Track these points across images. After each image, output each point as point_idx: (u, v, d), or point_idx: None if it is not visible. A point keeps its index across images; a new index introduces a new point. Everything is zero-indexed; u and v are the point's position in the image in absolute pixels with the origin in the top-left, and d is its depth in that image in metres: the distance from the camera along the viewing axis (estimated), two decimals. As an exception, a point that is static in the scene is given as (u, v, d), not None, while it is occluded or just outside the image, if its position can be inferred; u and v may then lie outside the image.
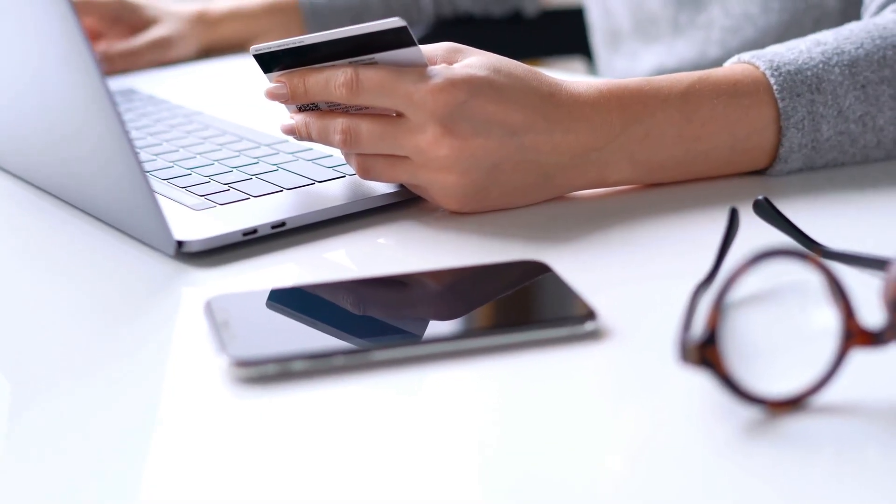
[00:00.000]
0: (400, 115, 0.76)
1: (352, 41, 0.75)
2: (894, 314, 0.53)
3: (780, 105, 0.81)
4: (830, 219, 0.77)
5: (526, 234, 0.75)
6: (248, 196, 0.80)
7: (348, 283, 0.68)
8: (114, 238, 0.77)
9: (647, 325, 0.63)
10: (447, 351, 0.60)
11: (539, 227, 0.77)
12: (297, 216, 0.77)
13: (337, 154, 0.87)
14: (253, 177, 0.84)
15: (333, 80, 0.76)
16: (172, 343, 0.65)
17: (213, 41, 1.33)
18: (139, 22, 1.30)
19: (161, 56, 1.29)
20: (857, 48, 0.84)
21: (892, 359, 0.55)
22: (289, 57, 0.78)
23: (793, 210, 0.74)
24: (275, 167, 0.86)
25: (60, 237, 0.79)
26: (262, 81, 0.80)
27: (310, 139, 0.79)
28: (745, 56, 0.85)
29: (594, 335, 0.61)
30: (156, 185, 0.83)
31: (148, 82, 1.20)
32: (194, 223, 0.75)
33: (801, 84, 0.82)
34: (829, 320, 0.55)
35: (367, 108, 0.77)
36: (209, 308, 0.64)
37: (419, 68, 0.75)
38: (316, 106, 0.79)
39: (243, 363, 0.58)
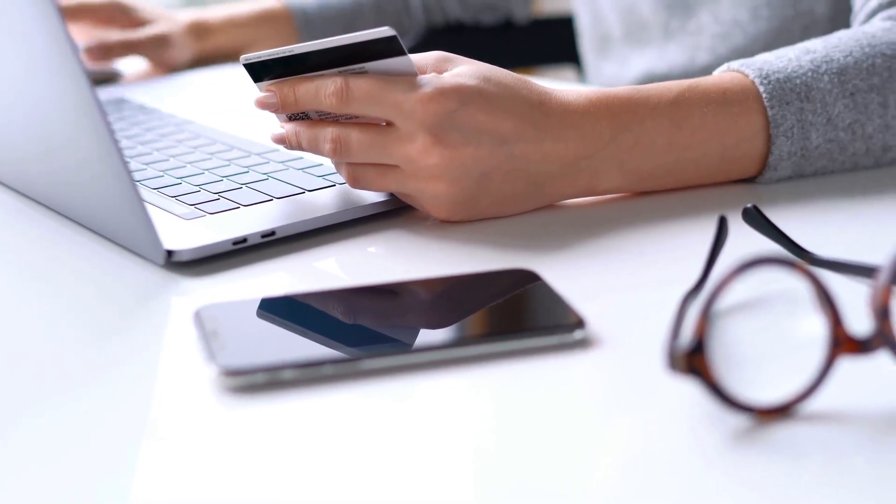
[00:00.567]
0: (390, 124, 0.76)
1: (342, 50, 0.75)
2: (881, 322, 0.53)
3: (770, 113, 0.82)
4: (819, 226, 0.78)
5: (516, 243, 0.75)
6: (238, 205, 0.80)
7: (338, 292, 0.68)
8: (103, 247, 0.77)
9: (637, 334, 0.63)
10: (437, 360, 0.60)
11: (529, 236, 0.77)
12: (286, 225, 0.77)
13: (327, 163, 0.87)
14: (243, 186, 0.84)
15: (323, 89, 0.76)
16: (162, 353, 0.65)
17: (207, 50, 1.33)
18: (134, 23, 1.30)
19: (158, 54, 1.29)
20: (846, 56, 0.84)
21: (880, 366, 0.56)
22: (279, 66, 0.78)
23: (782, 217, 0.74)
24: (265, 176, 0.86)
25: (49, 246, 0.79)
26: (253, 90, 0.80)
27: (300, 148, 0.80)
28: (735, 64, 0.85)
29: (583, 343, 0.62)
30: (146, 194, 0.83)
31: (139, 92, 1.20)
32: (184, 232, 0.75)
33: (791, 92, 0.82)
34: (816, 328, 0.55)
35: (357, 117, 0.77)
36: (198, 317, 0.64)
37: (409, 77, 0.75)
38: (306, 115, 0.79)
39: (232, 372, 0.58)
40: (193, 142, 0.96)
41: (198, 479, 0.52)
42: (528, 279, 0.68)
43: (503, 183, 0.77)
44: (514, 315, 0.66)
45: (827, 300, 0.53)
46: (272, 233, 0.76)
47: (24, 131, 0.81)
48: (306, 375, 0.59)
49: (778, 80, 0.82)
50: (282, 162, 0.89)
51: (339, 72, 0.76)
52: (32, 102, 0.77)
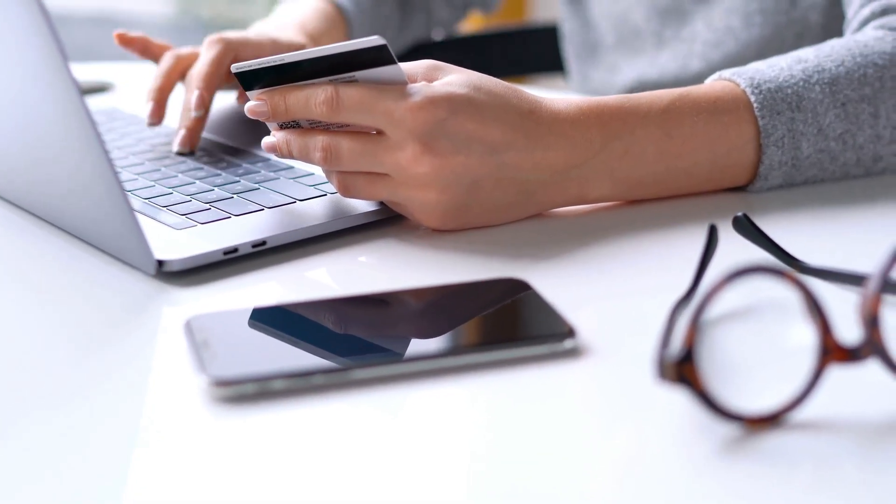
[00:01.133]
0: (380, 132, 0.76)
1: (332, 59, 0.75)
2: (871, 330, 0.53)
3: (761, 123, 0.82)
4: (810, 235, 0.78)
5: (506, 252, 0.75)
6: (229, 215, 0.80)
7: (329, 302, 0.68)
8: (94, 257, 0.77)
9: (627, 342, 0.63)
10: (428, 369, 0.60)
11: (519, 245, 0.77)
12: (277, 235, 0.77)
13: (318, 172, 0.87)
14: (234, 195, 0.84)
15: (314, 97, 0.76)
16: (153, 363, 0.65)
17: None
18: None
19: None
20: (838, 66, 0.84)
21: (869, 375, 0.56)
22: (270, 75, 0.78)
23: (772, 226, 0.74)
24: (256, 186, 0.86)
25: (39, 256, 0.79)
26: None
27: (291, 156, 0.80)
28: (726, 73, 0.85)
29: (574, 353, 0.62)
30: (137, 204, 0.83)
31: (131, 102, 1.19)
32: (175, 242, 0.75)
33: (782, 102, 0.82)
34: (806, 336, 0.55)
35: (347, 125, 0.77)
36: (189, 328, 0.64)
37: (399, 86, 0.75)
38: (297, 123, 0.79)
39: (222, 383, 0.58)
40: (185, 152, 0.96)
41: (188, 490, 0.52)
42: (518, 288, 0.68)
43: (493, 191, 0.77)
44: (504, 324, 0.66)
45: (816, 309, 0.53)
46: (263, 242, 0.76)
47: (13, 141, 0.81)
48: (297, 385, 0.58)
49: (769, 89, 0.82)
50: (273, 171, 0.89)
51: (330, 80, 0.76)
52: (23, 113, 0.77)
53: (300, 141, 0.78)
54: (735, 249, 0.72)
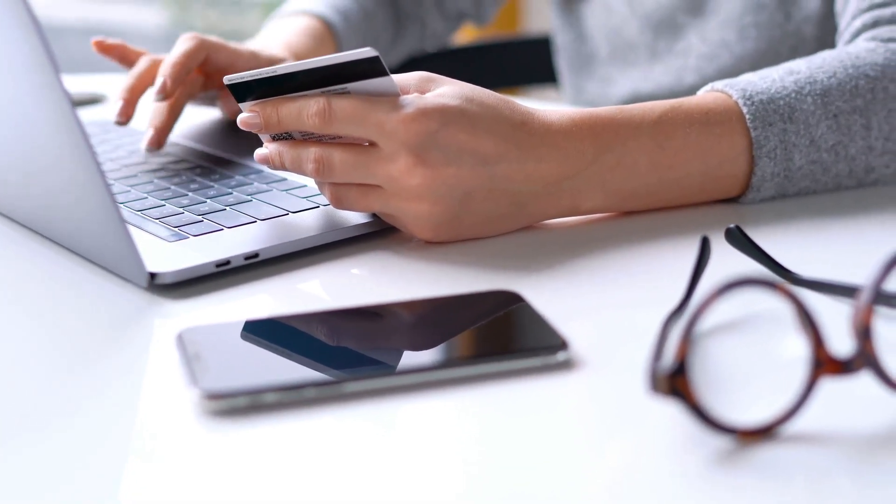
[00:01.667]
0: (373, 144, 0.76)
1: (325, 71, 0.75)
2: (863, 342, 0.53)
3: (753, 134, 0.82)
4: (802, 246, 0.78)
5: (498, 264, 0.75)
6: (222, 227, 0.80)
7: (322, 314, 0.68)
8: (86, 269, 0.77)
9: (620, 355, 0.63)
10: (420, 382, 0.60)
11: (512, 256, 0.77)
12: (270, 247, 0.76)
13: (311, 184, 0.87)
14: (226, 207, 0.83)
15: (306, 109, 0.76)
16: (145, 376, 0.65)
17: None
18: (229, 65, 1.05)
19: None
20: (830, 77, 0.85)
21: (862, 387, 0.56)
22: (262, 86, 0.78)
23: (765, 237, 0.74)
24: (248, 198, 0.85)
25: (31, 268, 0.79)
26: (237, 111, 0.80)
27: (283, 168, 0.79)
28: (718, 84, 0.85)
29: (567, 365, 0.61)
30: (129, 216, 0.83)
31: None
32: (167, 255, 0.75)
33: (774, 113, 0.82)
34: (798, 349, 0.55)
35: (340, 137, 0.77)
36: (181, 340, 0.63)
37: (391, 98, 0.75)
38: (290, 135, 0.79)
39: (214, 396, 0.58)
40: (178, 164, 0.96)
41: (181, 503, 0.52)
42: (511, 300, 0.68)
43: (486, 203, 0.77)
44: (497, 337, 0.66)
45: (808, 321, 0.53)
46: (256, 255, 0.76)
47: (5, 153, 0.81)
48: (289, 398, 0.58)
49: (761, 101, 0.82)
50: (265, 183, 0.89)
51: (322, 92, 0.76)
52: (14, 125, 0.77)
53: (293, 153, 0.78)
54: (728, 261, 0.72)
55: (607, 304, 0.70)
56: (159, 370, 0.64)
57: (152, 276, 0.72)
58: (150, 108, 0.99)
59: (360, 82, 0.75)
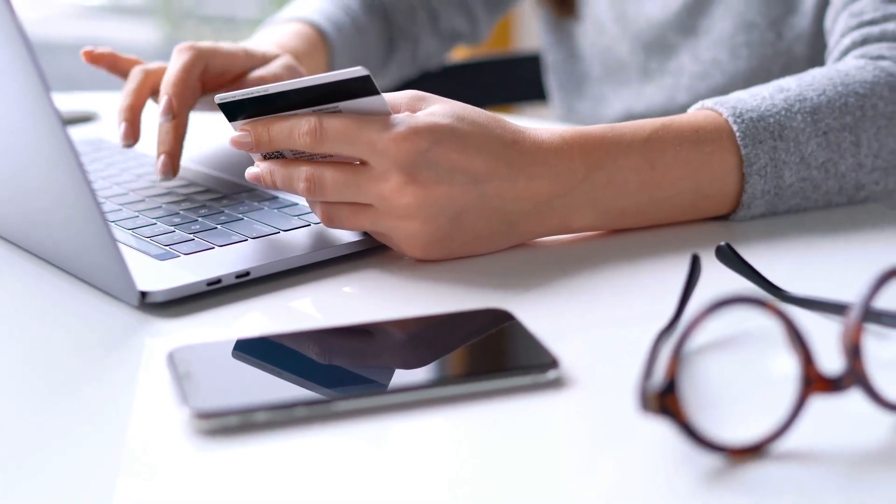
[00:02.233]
0: (364, 163, 0.76)
1: (316, 90, 0.76)
2: (853, 360, 0.53)
3: (743, 152, 0.82)
4: (793, 263, 0.78)
5: (490, 282, 0.75)
6: (213, 246, 0.80)
7: (313, 333, 0.68)
8: (77, 288, 0.77)
9: (610, 373, 0.63)
10: (411, 400, 0.60)
11: (503, 275, 0.77)
12: (261, 265, 0.76)
13: (302, 202, 0.87)
14: (218, 226, 0.84)
15: (297, 128, 0.76)
16: (136, 395, 0.65)
17: None
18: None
19: None
20: (820, 95, 0.85)
21: (852, 405, 0.56)
22: (253, 105, 0.78)
23: (755, 255, 0.74)
24: (240, 216, 0.85)
25: (21, 287, 0.79)
26: (228, 130, 0.80)
27: (275, 187, 0.80)
28: (709, 102, 0.85)
29: (557, 383, 0.61)
30: (120, 234, 0.83)
31: (116, 132, 1.19)
32: (158, 273, 0.75)
33: (764, 131, 0.82)
34: (788, 367, 0.55)
35: (331, 156, 0.77)
36: (171, 359, 0.63)
37: (382, 116, 0.75)
38: (282, 154, 0.79)
39: (205, 415, 0.58)
40: (169, 182, 0.96)
41: (169, 523, 0.52)
42: (501, 319, 0.68)
43: (477, 221, 0.77)
44: (488, 355, 0.66)
45: (798, 339, 0.53)
46: (247, 273, 0.76)
47: (-3, 172, 0.81)
48: (280, 417, 0.58)
49: (751, 118, 0.83)
50: (257, 202, 0.89)
51: (313, 111, 0.77)
52: (4, 143, 0.77)
53: (284, 171, 0.78)
54: (718, 279, 0.72)
55: (598, 322, 0.70)
56: (150, 389, 0.64)
57: (143, 294, 0.72)
58: (154, 131, 0.94)
59: (352, 101, 0.76)
